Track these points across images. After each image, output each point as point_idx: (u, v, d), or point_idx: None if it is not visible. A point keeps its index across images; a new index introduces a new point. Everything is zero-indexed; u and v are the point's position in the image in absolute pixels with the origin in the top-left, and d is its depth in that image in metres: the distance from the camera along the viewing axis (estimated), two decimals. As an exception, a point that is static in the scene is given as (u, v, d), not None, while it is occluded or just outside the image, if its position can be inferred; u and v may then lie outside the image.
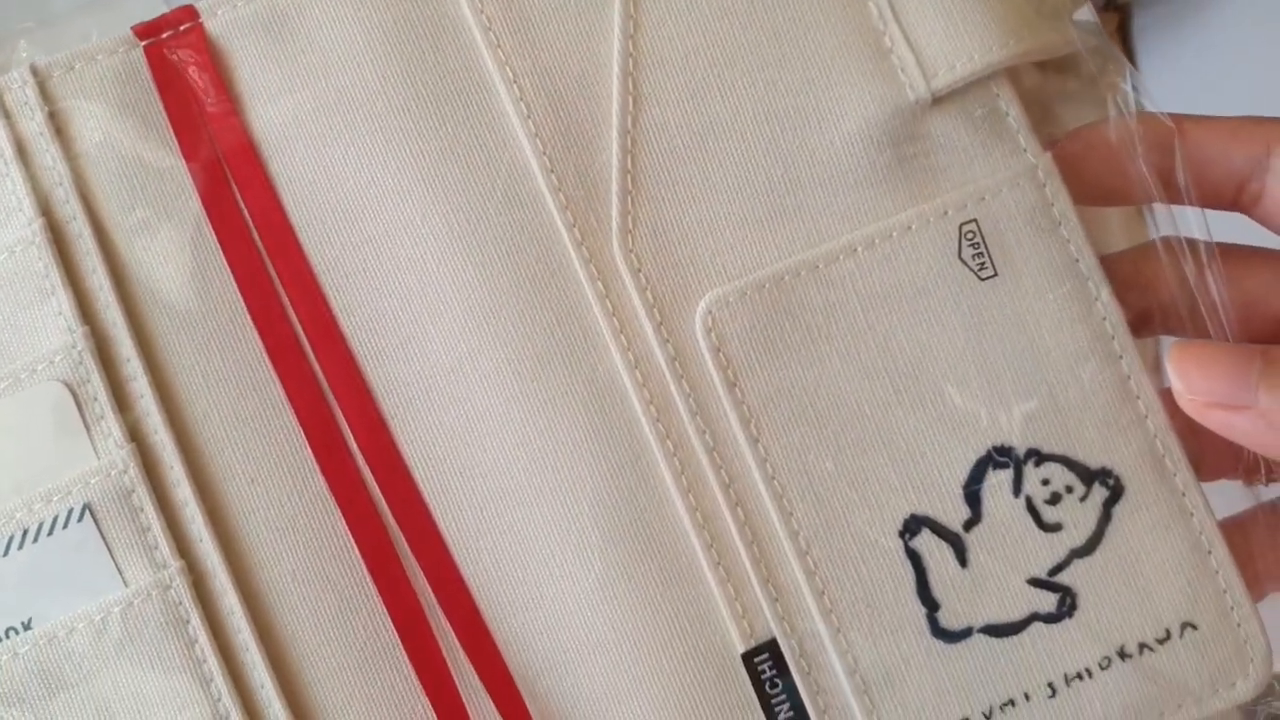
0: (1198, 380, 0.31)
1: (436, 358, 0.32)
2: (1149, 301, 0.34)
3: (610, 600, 0.32)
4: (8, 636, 0.31)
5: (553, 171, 0.32)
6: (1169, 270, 0.34)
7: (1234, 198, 0.34)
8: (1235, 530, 0.34)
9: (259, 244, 0.33)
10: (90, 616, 0.31)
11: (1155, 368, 0.35)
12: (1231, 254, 0.34)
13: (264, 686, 0.31)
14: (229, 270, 0.33)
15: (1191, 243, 0.34)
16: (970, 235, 0.32)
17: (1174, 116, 0.34)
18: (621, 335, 0.32)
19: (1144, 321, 0.34)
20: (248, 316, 0.33)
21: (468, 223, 0.32)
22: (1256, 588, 0.33)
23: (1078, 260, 0.32)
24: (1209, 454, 0.34)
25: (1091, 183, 0.34)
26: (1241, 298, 0.34)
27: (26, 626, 0.31)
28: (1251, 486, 0.36)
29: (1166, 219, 0.35)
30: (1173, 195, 0.34)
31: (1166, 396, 0.33)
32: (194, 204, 0.33)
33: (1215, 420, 0.31)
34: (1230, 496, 0.35)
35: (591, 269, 0.32)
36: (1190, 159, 0.34)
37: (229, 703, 0.31)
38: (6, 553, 0.31)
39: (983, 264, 0.32)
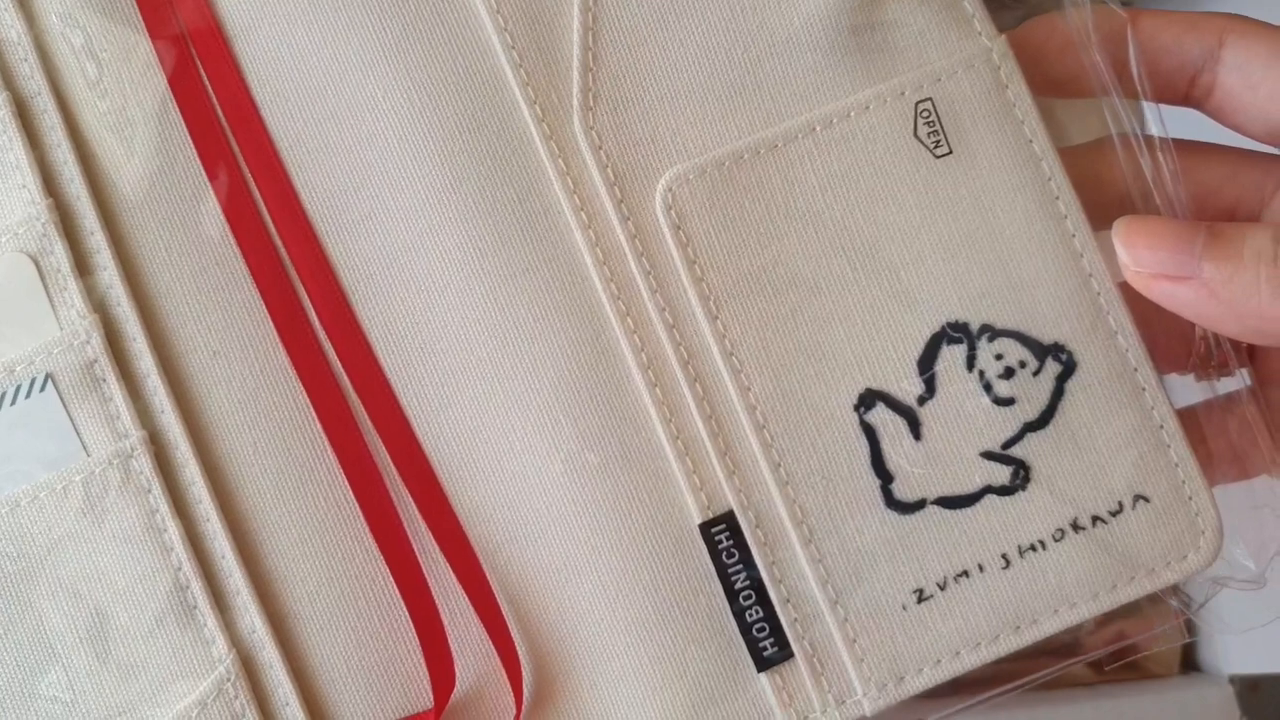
0: (1143, 251, 0.31)
1: (397, 234, 0.33)
2: (1104, 195, 0.35)
3: (570, 473, 0.32)
4: (-31, 505, 0.31)
5: (514, 48, 0.33)
6: (1125, 164, 0.34)
7: (1186, 90, 0.35)
8: (1188, 415, 0.34)
9: (223, 121, 0.33)
10: (52, 485, 0.31)
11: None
12: (1185, 148, 0.35)
13: (224, 556, 0.32)
14: (193, 147, 0.33)
15: (1147, 138, 0.35)
16: (926, 114, 0.33)
17: (1128, 9, 0.34)
18: (582, 212, 0.33)
19: (1099, 214, 0.35)
20: (210, 191, 0.33)
21: (429, 99, 0.33)
22: (1209, 471, 0.33)
23: (1031, 141, 0.33)
24: (1160, 345, 0.35)
25: (1046, 73, 0.34)
26: (1195, 190, 0.35)
27: (-11, 495, 0.31)
28: (1204, 382, 0.36)
29: (1123, 117, 0.35)
30: (1127, 88, 0.35)
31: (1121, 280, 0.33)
32: (159, 81, 0.33)
33: (1159, 291, 0.31)
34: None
35: (552, 145, 0.33)
36: (1144, 49, 0.34)
37: (189, 571, 0.31)
38: (-32, 421, 0.31)
39: (938, 142, 0.33)
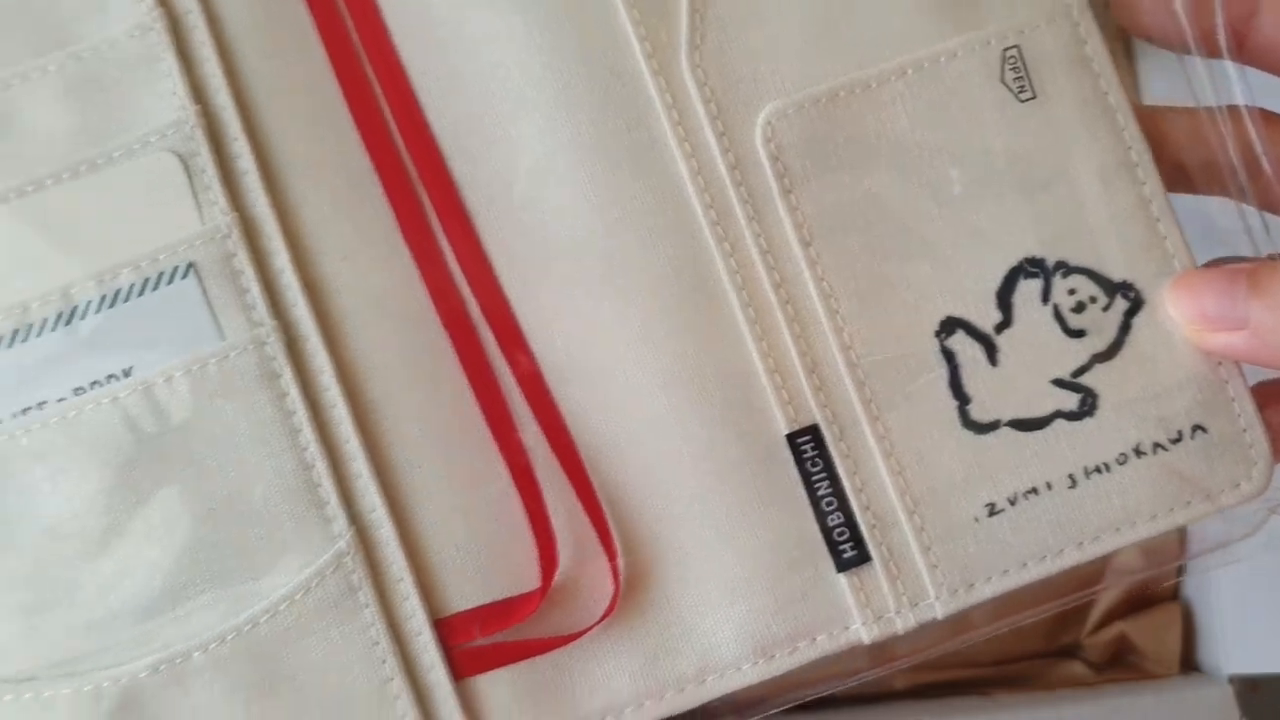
0: (1188, 304, 0.34)
1: (518, 159, 0.35)
2: (1188, 157, 0.36)
3: (668, 386, 0.35)
4: (109, 382, 0.34)
5: None
6: (1207, 126, 0.36)
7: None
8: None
9: (359, 50, 0.36)
10: (188, 366, 0.34)
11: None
12: (1271, 117, 0.36)
13: (349, 440, 0.34)
14: (332, 72, 0.36)
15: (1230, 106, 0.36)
16: (1012, 60, 0.35)
17: None
18: (686, 143, 0.35)
19: (1180, 176, 0.36)
20: (347, 113, 0.35)
21: (545, 33, 0.35)
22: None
23: (1106, 93, 0.35)
24: None
25: (1136, 19, 0.36)
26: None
27: (127, 374, 0.34)
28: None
29: (1204, 80, 0.36)
30: (1211, 49, 0.36)
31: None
32: (300, 10, 0.36)
33: (1216, 345, 0.34)
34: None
35: (660, 80, 0.35)
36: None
37: (315, 451, 0.34)
38: (114, 304, 0.34)
39: (1022, 86, 0.35)
